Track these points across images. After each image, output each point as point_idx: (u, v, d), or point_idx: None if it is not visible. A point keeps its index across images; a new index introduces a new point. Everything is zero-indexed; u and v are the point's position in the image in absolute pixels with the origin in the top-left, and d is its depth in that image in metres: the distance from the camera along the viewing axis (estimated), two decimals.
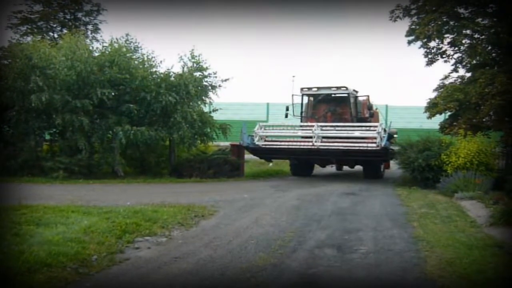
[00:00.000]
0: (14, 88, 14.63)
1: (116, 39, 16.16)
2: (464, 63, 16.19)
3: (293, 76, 16.92)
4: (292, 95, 16.63)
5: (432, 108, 15.58)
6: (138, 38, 16.75)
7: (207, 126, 16.69)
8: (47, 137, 16.73)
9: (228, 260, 5.98)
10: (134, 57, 16.28)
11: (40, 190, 11.66)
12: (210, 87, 16.86)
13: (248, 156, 17.29)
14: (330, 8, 45.29)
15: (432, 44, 16.10)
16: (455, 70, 16.44)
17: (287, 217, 8.92)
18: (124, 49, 15.83)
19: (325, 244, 6.87)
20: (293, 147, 15.35)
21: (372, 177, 15.61)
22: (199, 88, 16.45)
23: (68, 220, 7.49)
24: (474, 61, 15.54)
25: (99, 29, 25.40)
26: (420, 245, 6.77)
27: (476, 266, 5.68)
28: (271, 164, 18.55)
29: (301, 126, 16.21)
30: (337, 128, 15.01)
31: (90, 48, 16.44)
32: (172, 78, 15.97)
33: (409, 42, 16.30)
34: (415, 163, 13.45)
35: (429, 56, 16.45)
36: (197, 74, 16.48)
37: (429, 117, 15.98)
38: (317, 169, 18.04)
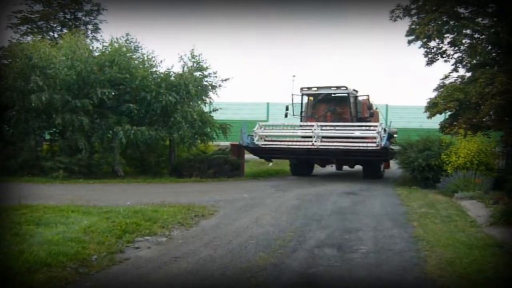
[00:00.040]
0: (14, 88, 14.63)
1: (116, 38, 16.18)
2: (464, 63, 16.19)
3: (293, 76, 16.87)
4: (292, 94, 16.64)
5: (432, 107, 15.57)
6: (138, 38, 16.76)
7: (207, 126, 16.69)
8: (47, 136, 16.73)
9: (228, 259, 5.98)
10: (134, 56, 16.27)
11: (40, 189, 11.66)
12: (210, 87, 16.86)
13: (248, 156, 17.28)
14: (330, 8, 45.29)
15: (432, 44, 16.12)
16: (455, 70, 16.44)
17: (287, 216, 8.92)
18: (124, 49, 15.83)
19: (325, 243, 6.87)
20: (293, 146, 15.34)
21: (372, 177, 15.60)
22: (199, 87, 16.45)
23: (68, 220, 7.49)
24: (474, 61, 15.54)
25: (99, 28, 25.47)
26: (420, 244, 6.77)
27: (476, 266, 5.68)
28: (271, 163, 18.55)
29: (301, 125, 16.19)
30: (337, 128, 14.99)
31: (90, 47, 16.42)
32: (172, 78, 15.97)
33: (409, 42, 16.30)
34: (415, 163, 13.45)
35: (429, 56, 16.45)
36: (197, 74, 16.47)
37: (429, 117, 15.97)
38: (317, 169, 18.04)
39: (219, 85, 16.84)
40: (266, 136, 15.80)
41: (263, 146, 15.51)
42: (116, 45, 15.89)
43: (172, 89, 15.48)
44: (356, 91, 16.91)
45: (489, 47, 15.37)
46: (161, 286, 5.15)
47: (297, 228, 7.90)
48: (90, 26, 25.31)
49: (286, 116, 16.85)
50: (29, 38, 21.06)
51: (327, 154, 15.18)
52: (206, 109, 17.74)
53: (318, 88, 16.52)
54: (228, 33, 51.70)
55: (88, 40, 19.88)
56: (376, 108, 18.01)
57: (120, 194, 11.52)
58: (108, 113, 15.17)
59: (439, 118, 16.64)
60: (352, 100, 16.40)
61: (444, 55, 16.33)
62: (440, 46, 16.19)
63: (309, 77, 52.05)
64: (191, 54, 16.47)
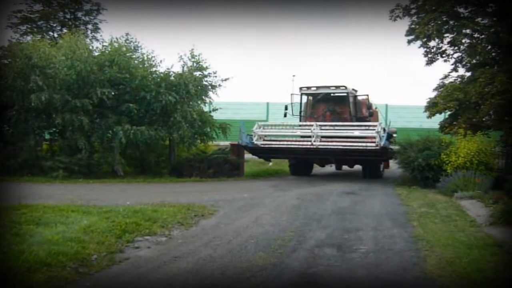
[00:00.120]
0: (14, 88, 14.63)
1: (116, 38, 16.19)
2: (464, 63, 16.18)
3: (293, 76, 16.88)
4: (291, 94, 16.64)
5: (432, 107, 15.57)
6: (138, 38, 16.77)
7: (207, 126, 16.69)
8: (47, 136, 16.75)
9: (228, 259, 5.99)
10: (134, 56, 16.28)
11: (40, 189, 11.66)
12: (210, 87, 16.87)
13: (248, 155, 17.29)
14: (330, 8, 45.29)
15: (432, 43, 16.10)
16: (455, 69, 16.43)
17: (287, 216, 8.92)
18: (124, 49, 15.83)
19: (325, 243, 6.87)
20: (292, 146, 15.32)
21: (371, 177, 15.60)
22: (199, 87, 16.45)
23: (68, 219, 7.49)
24: (474, 61, 15.53)
25: (99, 28, 25.47)
26: (420, 244, 6.77)
27: (475, 266, 5.69)
28: (270, 163, 18.55)
29: (300, 125, 16.19)
30: (336, 128, 14.98)
31: (90, 47, 16.44)
32: (172, 78, 15.97)
33: (409, 42, 16.28)
34: (415, 163, 13.45)
35: (429, 56, 16.44)
36: (197, 73, 16.48)
37: (429, 117, 15.97)
38: (317, 168, 18.04)
39: (219, 85, 16.88)
40: (265, 135, 15.78)
41: (262, 145, 15.49)
42: (116, 44, 15.90)
43: (172, 89, 15.48)
44: (356, 91, 16.91)
45: (489, 47, 15.36)
46: (161, 286, 5.15)
47: (297, 227, 7.90)
48: (90, 26, 25.35)
49: (285, 115, 16.84)
50: (29, 38, 21.11)
51: (326, 153, 15.17)
52: (206, 109, 17.74)
53: (317, 87, 16.52)
54: (228, 33, 51.72)
55: (88, 40, 19.88)
56: (376, 108, 18.00)
57: (120, 193, 11.52)
58: (108, 113, 15.17)
59: (439, 118, 16.64)
60: (351, 99, 16.40)
61: (443, 55, 16.32)
62: (440, 46, 16.19)
63: (309, 77, 52.11)
64: (191, 54, 16.49)
